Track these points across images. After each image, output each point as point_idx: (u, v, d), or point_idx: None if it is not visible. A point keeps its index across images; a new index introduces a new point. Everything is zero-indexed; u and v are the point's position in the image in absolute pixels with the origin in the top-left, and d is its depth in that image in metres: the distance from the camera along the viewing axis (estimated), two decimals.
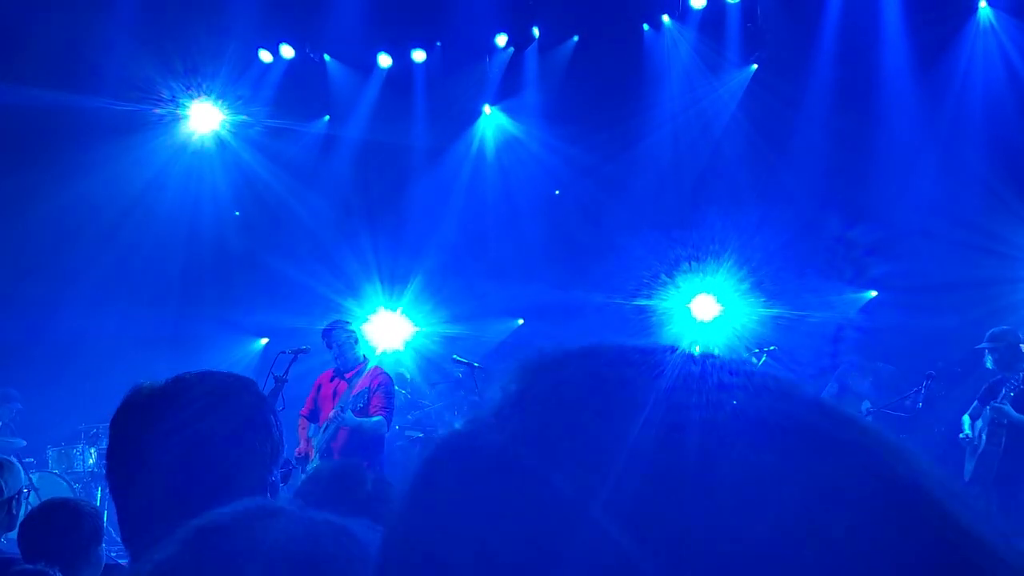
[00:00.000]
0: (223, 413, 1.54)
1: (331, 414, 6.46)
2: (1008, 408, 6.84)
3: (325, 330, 6.87)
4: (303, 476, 6.60)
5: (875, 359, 8.80)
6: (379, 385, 6.64)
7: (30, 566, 2.89)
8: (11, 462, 4.08)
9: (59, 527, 3.20)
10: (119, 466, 1.55)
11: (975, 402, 7.35)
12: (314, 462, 6.53)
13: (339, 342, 6.71)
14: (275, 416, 1.63)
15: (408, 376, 10.45)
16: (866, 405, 8.45)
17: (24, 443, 8.65)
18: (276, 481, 1.61)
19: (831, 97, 9.98)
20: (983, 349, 7.23)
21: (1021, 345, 7.10)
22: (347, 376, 6.70)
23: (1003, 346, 7.08)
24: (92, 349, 10.10)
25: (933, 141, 9.69)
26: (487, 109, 11.52)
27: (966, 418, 7.37)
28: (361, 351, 6.89)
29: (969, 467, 7.21)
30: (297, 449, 6.77)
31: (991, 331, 7.24)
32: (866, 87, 9.92)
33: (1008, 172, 9.24)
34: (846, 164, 10.11)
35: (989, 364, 7.20)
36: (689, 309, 10.80)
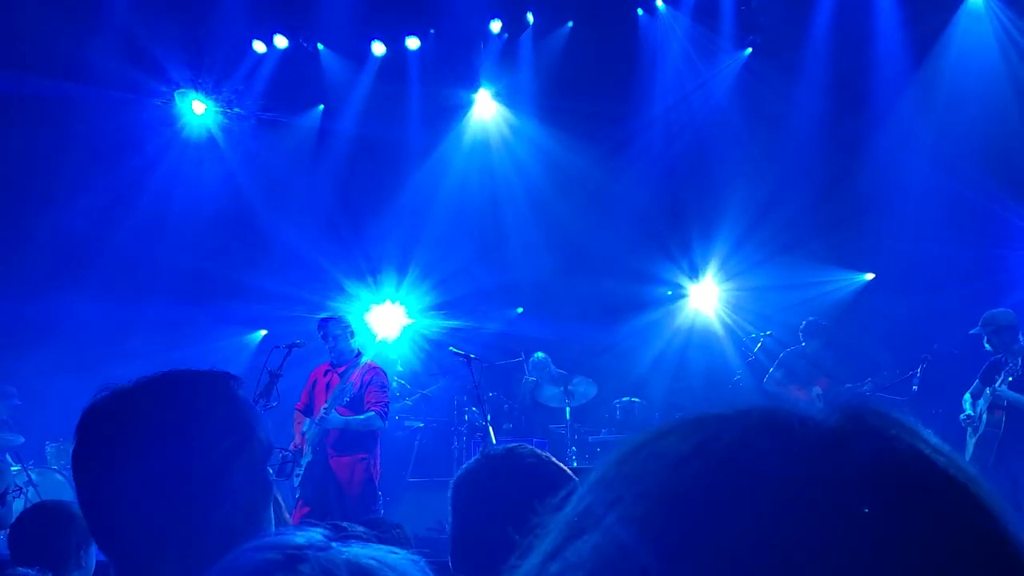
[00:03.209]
0: (193, 415, 1.49)
1: (319, 412, 6.48)
2: (1006, 390, 6.89)
3: (320, 322, 6.91)
4: (299, 470, 6.62)
5: (826, 347, 8.69)
6: (371, 380, 6.65)
7: (23, 569, 2.89)
8: None
9: (48, 530, 3.20)
10: (86, 475, 1.50)
11: (976, 381, 7.39)
12: (307, 457, 6.55)
13: (334, 335, 6.73)
14: (252, 412, 1.55)
15: (398, 362, 10.46)
16: (816, 391, 8.36)
17: (22, 439, 8.66)
18: (254, 482, 1.56)
19: (826, 80, 9.94)
20: (980, 334, 7.29)
21: (1014, 326, 7.17)
22: (339, 370, 6.71)
23: (993, 329, 7.16)
24: (90, 343, 10.10)
25: (928, 122, 9.66)
26: (482, 96, 11.46)
27: (967, 397, 7.41)
28: (355, 344, 6.90)
29: (970, 447, 7.24)
30: (292, 443, 6.78)
31: (984, 315, 7.31)
32: (861, 69, 9.88)
33: (1003, 154, 9.20)
34: (841, 145, 10.08)
35: (988, 347, 7.25)
36: (690, 295, 10.81)
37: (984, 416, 7.05)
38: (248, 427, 1.53)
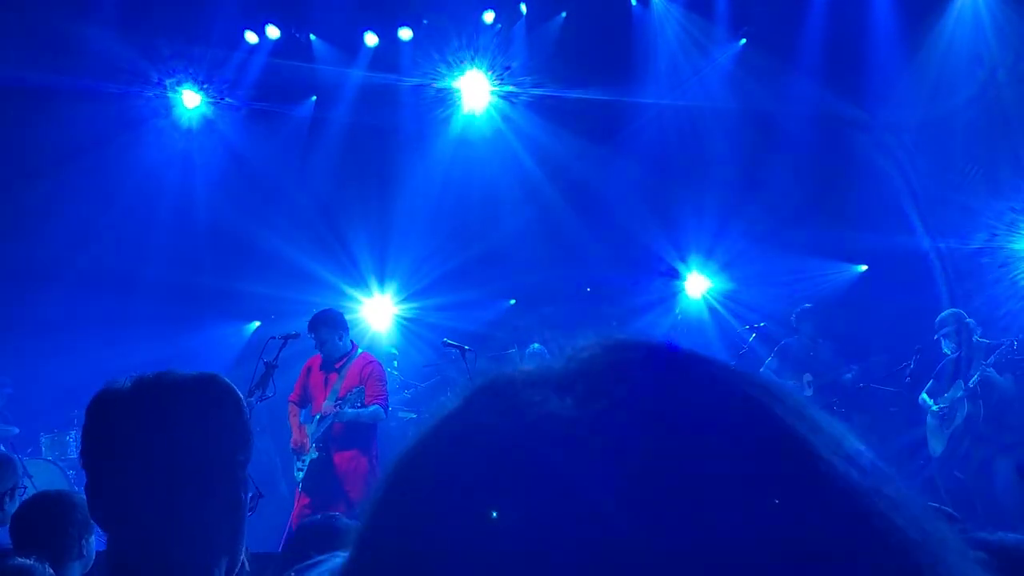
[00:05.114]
0: (185, 413, 1.57)
1: (330, 409, 6.43)
2: (992, 373, 6.99)
3: (310, 323, 6.75)
4: (300, 465, 6.59)
5: (819, 335, 8.74)
6: (370, 374, 6.59)
7: (21, 559, 2.90)
8: (6, 458, 4.09)
9: (50, 519, 3.21)
10: (92, 459, 1.58)
11: (931, 381, 7.51)
12: (311, 454, 6.52)
13: (322, 339, 6.63)
14: (238, 414, 1.63)
15: (396, 352, 10.46)
16: (807, 378, 8.46)
17: (17, 431, 8.66)
18: (247, 477, 1.62)
19: (819, 70, 9.95)
20: (938, 340, 7.45)
21: (968, 322, 7.32)
22: (337, 366, 6.65)
23: (950, 330, 7.31)
24: (85, 334, 10.08)
25: (921, 111, 9.68)
26: (475, 86, 11.43)
27: (925, 397, 7.52)
28: (348, 339, 6.82)
29: (936, 442, 7.34)
30: (292, 440, 6.72)
31: (937, 321, 7.46)
32: (854, 60, 9.89)
33: (996, 142, 9.24)
34: (834, 135, 10.09)
35: (947, 350, 7.39)
36: (682, 286, 10.84)
37: (966, 406, 7.13)
38: (247, 434, 1.63)
